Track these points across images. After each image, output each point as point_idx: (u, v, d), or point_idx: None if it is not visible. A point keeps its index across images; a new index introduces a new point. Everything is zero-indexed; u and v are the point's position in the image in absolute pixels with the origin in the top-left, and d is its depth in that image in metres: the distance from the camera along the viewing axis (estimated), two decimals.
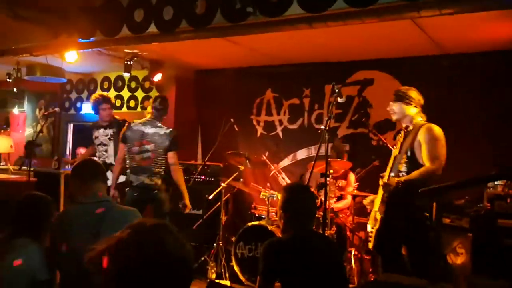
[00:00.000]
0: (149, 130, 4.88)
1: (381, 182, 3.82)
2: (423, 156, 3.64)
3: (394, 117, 3.95)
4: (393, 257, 3.67)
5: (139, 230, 1.29)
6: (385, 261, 3.83)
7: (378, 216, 3.71)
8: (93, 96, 5.68)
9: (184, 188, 4.93)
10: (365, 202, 4.17)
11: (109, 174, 5.04)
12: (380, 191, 3.77)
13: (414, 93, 3.88)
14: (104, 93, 5.82)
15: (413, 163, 3.68)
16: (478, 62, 5.42)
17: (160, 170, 4.86)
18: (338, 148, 5.81)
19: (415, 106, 3.83)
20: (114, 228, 2.30)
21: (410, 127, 3.85)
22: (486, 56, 5.37)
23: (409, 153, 3.71)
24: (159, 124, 4.91)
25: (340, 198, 5.60)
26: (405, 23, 4.34)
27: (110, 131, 5.52)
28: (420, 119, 3.85)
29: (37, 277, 2.41)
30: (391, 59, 5.96)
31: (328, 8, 3.63)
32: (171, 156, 4.84)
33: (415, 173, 3.61)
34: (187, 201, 4.95)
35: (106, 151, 5.45)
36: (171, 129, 4.92)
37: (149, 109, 5.07)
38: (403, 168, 3.75)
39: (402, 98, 3.87)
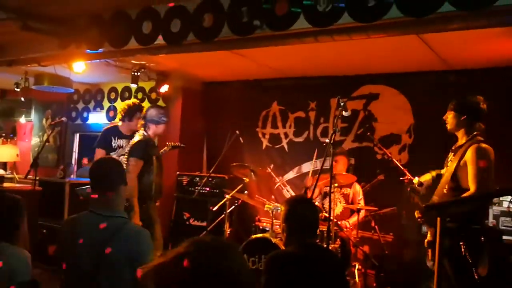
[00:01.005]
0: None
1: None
2: (469, 178, 3.33)
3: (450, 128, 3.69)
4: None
5: (201, 245, 1.26)
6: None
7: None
8: (130, 102, 5.24)
9: (133, 202, 4.39)
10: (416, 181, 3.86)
11: None
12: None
13: (475, 101, 3.59)
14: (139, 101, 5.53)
15: (453, 184, 3.42)
16: (485, 78, 5.42)
17: None
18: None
19: (475, 119, 3.52)
20: (125, 246, 2.32)
21: (459, 142, 3.59)
22: (492, 72, 5.37)
23: (454, 174, 3.43)
24: (136, 133, 4.84)
25: (353, 212, 5.57)
26: (411, 38, 4.36)
27: None
28: (475, 137, 3.50)
29: (18, 278, 2.39)
30: (397, 73, 5.98)
31: (334, 22, 3.65)
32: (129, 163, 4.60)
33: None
34: (135, 220, 4.33)
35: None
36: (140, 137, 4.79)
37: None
38: (445, 189, 3.50)
39: (459, 108, 3.59)
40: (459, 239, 3.21)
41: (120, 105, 5.30)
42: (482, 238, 3.26)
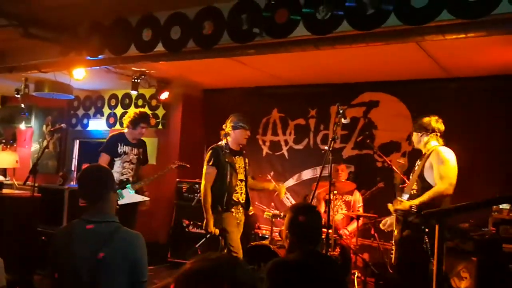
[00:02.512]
0: None
1: (390, 207, 3.91)
2: (434, 177, 3.76)
3: (414, 146, 4.20)
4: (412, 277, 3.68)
5: (207, 260, 1.27)
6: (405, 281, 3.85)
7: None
8: (138, 111, 5.45)
9: (205, 210, 4.59)
10: (382, 227, 4.18)
11: (125, 192, 5.10)
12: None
13: (426, 121, 4.06)
14: (148, 112, 5.69)
15: (424, 184, 3.82)
16: (484, 86, 5.44)
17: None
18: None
19: (428, 133, 4.00)
20: (120, 250, 2.31)
21: (424, 152, 4.03)
22: (492, 80, 5.38)
23: (421, 175, 3.85)
24: None
25: (353, 219, 5.56)
26: (411, 46, 4.38)
27: (137, 151, 5.36)
28: (434, 143, 3.96)
29: None
30: (397, 81, 5.99)
31: (333, 30, 3.66)
32: None
33: (425, 195, 3.70)
34: (209, 228, 4.51)
35: (132, 169, 5.28)
36: None
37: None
38: (414, 189, 3.91)
39: (416, 128, 4.11)
40: (422, 233, 3.54)
41: (128, 112, 5.50)
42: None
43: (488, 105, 5.40)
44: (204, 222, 4.48)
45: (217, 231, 4.43)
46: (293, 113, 6.84)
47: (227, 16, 4.16)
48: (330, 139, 4.05)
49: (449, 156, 3.79)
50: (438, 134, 4.00)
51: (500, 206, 4.48)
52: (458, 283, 3.38)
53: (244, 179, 4.72)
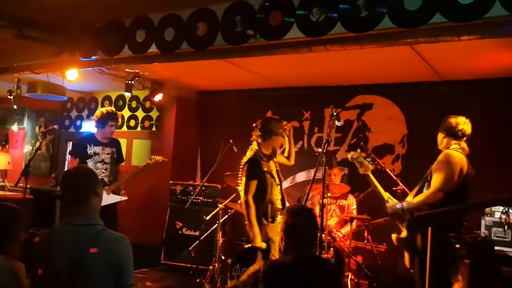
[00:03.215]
0: None
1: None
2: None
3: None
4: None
5: None
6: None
7: None
8: (104, 110, 5.38)
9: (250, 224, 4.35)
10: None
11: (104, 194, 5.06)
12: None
13: (450, 121, 3.80)
14: (115, 110, 5.54)
15: (428, 187, 3.67)
16: (477, 89, 5.46)
17: None
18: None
19: (445, 135, 3.79)
20: (104, 256, 2.26)
21: None
22: (485, 83, 5.41)
23: (428, 178, 3.70)
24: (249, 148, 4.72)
25: (347, 222, 5.55)
26: (404, 49, 4.39)
27: (109, 150, 5.32)
28: (452, 146, 3.72)
29: None
30: (391, 84, 6.01)
31: (327, 32, 3.67)
32: None
33: (416, 199, 3.64)
34: (256, 243, 4.27)
35: (106, 169, 5.27)
36: None
37: None
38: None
39: (440, 128, 3.86)
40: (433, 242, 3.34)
41: (96, 112, 5.43)
42: (458, 246, 3.31)
43: (481, 108, 5.42)
44: (251, 236, 4.23)
45: (264, 245, 4.20)
46: (287, 116, 6.78)
47: (221, 17, 4.17)
48: (324, 142, 4.04)
49: (449, 159, 3.58)
50: (462, 137, 3.73)
51: (493, 209, 4.49)
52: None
53: (279, 182, 4.52)
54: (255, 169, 4.32)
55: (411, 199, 3.73)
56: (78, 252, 2.26)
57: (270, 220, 4.29)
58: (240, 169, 4.48)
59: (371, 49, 3.95)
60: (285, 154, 4.76)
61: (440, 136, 3.82)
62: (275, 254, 4.26)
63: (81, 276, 2.24)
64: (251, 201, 4.23)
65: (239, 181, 4.44)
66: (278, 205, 4.42)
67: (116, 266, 2.29)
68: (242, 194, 4.32)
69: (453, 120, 3.77)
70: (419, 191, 3.73)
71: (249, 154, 4.47)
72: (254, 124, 4.57)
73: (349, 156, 3.87)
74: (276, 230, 4.27)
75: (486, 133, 5.33)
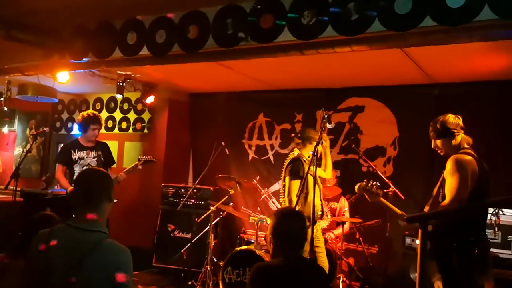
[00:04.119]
0: None
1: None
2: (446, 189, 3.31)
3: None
4: None
5: None
6: None
7: None
8: (85, 113, 5.37)
9: None
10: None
11: None
12: None
13: (447, 121, 3.50)
14: (96, 112, 5.53)
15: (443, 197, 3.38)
16: (467, 92, 5.50)
17: None
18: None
19: (446, 136, 3.46)
20: (102, 262, 2.17)
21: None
22: (475, 86, 5.45)
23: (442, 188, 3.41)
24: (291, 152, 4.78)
25: (339, 224, 5.56)
26: (395, 52, 4.41)
27: (95, 153, 5.28)
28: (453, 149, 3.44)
29: None
30: (382, 86, 6.03)
31: (318, 35, 3.68)
32: None
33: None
34: None
35: None
36: None
37: None
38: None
39: (436, 133, 3.54)
40: (451, 250, 3.22)
41: (78, 116, 5.45)
42: (476, 251, 3.25)
43: (470, 110, 5.45)
44: None
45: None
46: (279, 118, 6.85)
47: (212, 20, 4.16)
48: (315, 144, 4.05)
49: (462, 165, 3.27)
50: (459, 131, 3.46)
51: None
52: (441, 286, 3.38)
53: (319, 189, 4.50)
54: (299, 169, 4.39)
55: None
56: (76, 258, 2.18)
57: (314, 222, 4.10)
58: (283, 170, 4.56)
59: (362, 52, 3.97)
60: (322, 168, 4.69)
61: (440, 142, 3.50)
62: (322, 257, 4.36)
63: (78, 283, 2.16)
64: (295, 200, 4.15)
65: (282, 182, 4.48)
66: (319, 210, 4.42)
67: (112, 281, 2.19)
68: (285, 194, 4.38)
69: (441, 119, 3.52)
70: (434, 201, 3.46)
71: (291, 156, 4.54)
72: (293, 135, 4.68)
73: (356, 188, 3.72)
74: (320, 236, 4.39)
75: (478, 135, 5.36)
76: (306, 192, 4.31)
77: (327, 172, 4.76)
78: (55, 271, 2.20)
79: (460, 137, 3.47)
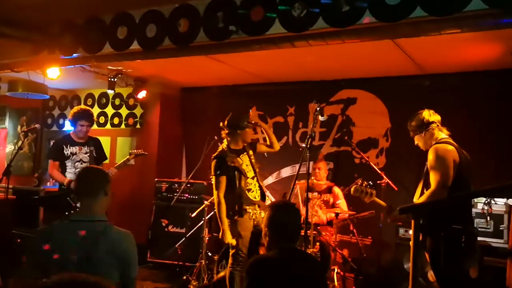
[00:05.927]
0: None
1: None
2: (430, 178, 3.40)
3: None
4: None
5: None
6: None
7: None
8: (75, 109, 5.32)
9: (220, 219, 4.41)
10: None
11: None
12: None
13: (421, 117, 3.62)
14: (87, 108, 5.46)
15: (427, 187, 3.46)
16: (458, 82, 5.52)
17: None
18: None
19: (423, 131, 3.60)
20: (110, 252, 2.34)
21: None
22: (466, 77, 5.47)
23: (424, 178, 3.53)
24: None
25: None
26: (386, 43, 4.41)
27: (88, 149, 5.23)
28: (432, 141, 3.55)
29: None
30: (374, 78, 6.04)
31: (309, 27, 3.68)
32: None
33: (420, 199, 3.47)
34: (226, 239, 4.31)
35: None
36: None
37: None
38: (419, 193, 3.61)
39: (413, 130, 3.69)
40: (439, 239, 3.26)
41: (70, 111, 5.39)
42: (463, 238, 3.28)
43: (461, 100, 5.48)
44: (221, 233, 4.27)
45: (234, 242, 4.23)
46: (271, 111, 6.84)
47: (203, 13, 4.14)
48: (308, 136, 4.06)
49: (442, 153, 3.38)
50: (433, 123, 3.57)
51: (475, 200, 4.55)
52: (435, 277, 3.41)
53: (254, 174, 4.53)
54: (221, 167, 4.35)
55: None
56: (83, 248, 2.34)
57: (239, 215, 4.31)
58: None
59: (353, 43, 3.96)
60: (267, 142, 4.81)
61: (419, 138, 3.65)
62: (242, 249, 4.29)
63: (87, 271, 2.24)
64: (222, 198, 4.29)
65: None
66: (251, 197, 4.44)
67: (120, 261, 2.40)
68: (214, 192, 4.38)
69: (416, 116, 3.65)
70: (422, 192, 3.53)
71: (216, 153, 4.50)
72: (221, 124, 4.58)
73: (352, 190, 3.78)
74: (245, 225, 4.32)
75: (467, 125, 5.40)
76: (233, 186, 4.34)
77: (273, 146, 4.85)
78: (68, 265, 2.30)
79: (437, 130, 3.57)
